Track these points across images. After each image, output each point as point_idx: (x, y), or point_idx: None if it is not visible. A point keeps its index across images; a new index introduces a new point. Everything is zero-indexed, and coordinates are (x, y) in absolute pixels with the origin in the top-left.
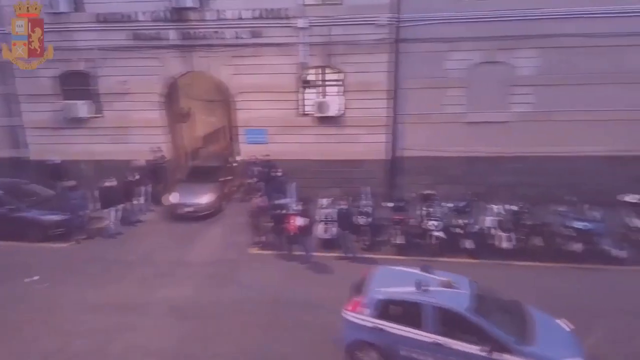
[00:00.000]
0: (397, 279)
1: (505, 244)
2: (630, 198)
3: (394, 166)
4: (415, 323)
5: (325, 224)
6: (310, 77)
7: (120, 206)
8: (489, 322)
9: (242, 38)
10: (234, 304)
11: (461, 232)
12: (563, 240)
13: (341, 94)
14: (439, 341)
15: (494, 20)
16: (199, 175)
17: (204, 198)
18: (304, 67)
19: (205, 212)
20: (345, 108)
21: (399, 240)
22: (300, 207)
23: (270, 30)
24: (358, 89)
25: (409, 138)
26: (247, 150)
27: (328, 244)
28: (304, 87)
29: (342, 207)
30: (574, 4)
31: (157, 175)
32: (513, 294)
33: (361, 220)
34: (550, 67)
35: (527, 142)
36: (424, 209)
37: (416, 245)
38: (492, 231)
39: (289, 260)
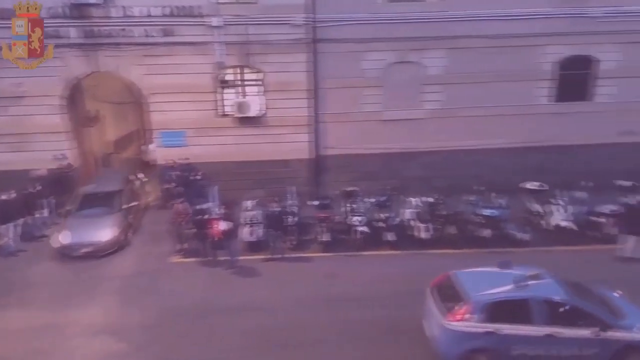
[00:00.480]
0: (487, 281)
1: (423, 234)
2: (529, 185)
3: (318, 165)
4: (525, 319)
5: (251, 226)
6: (229, 77)
7: (20, 221)
8: (590, 305)
9: (152, 36)
10: (156, 316)
11: (383, 225)
12: (474, 227)
13: (261, 93)
14: (550, 332)
15: (405, 22)
16: (95, 204)
17: (105, 234)
18: (220, 66)
19: (108, 252)
20: (267, 108)
21: (325, 237)
22: (223, 211)
23: (183, 28)
24: (278, 89)
25: (331, 137)
26: (164, 154)
27: (254, 247)
28: (223, 87)
29: (271, 208)
30: (476, 7)
31: (62, 185)
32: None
33: (288, 220)
34: (456, 66)
35: (439, 137)
36: (348, 205)
37: (342, 241)
38: (412, 223)
39: (213, 266)
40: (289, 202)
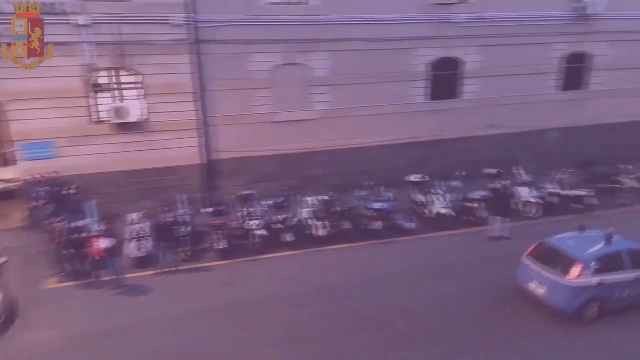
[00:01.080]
0: (581, 243)
1: (321, 232)
2: (413, 178)
3: (211, 170)
4: (621, 267)
5: (138, 240)
6: (102, 80)
7: None
8: None
9: (5, 36)
10: (29, 353)
11: (282, 227)
12: (367, 221)
13: (142, 97)
14: (637, 276)
15: (288, 24)
16: None
17: None
18: (91, 69)
19: None
20: (149, 112)
21: (222, 245)
22: (103, 227)
23: (45, 27)
24: (161, 92)
25: (223, 140)
26: (28, 169)
27: (144, 262)
28: (96, 92)
29: (160, 219)
30: (354, 12)
31: None
32: (339, 274)
33: (180, 230)
34: (341, 68)
35: (331, 137)
36: (245, 209)
37: (240, 247)
38: (309, 222)
39: (97, 288)
40: (180, 211)
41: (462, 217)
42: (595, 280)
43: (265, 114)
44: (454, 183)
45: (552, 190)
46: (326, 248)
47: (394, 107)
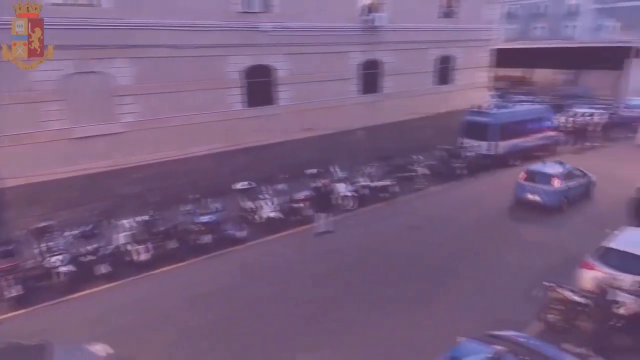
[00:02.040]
0: (550, 167)
1: (143, 256)
2: (240, 185)
3: None
4: (573, 178)
5: None
6: None
7: None
8: None
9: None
10: None
11: (93, 258)
12: (195, 236)
13: None
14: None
15: (77, 28)
16: None
17: None
18: None
19: None
20: None
21: (15, 291)
22: None
23: None
24: None
25: (5, 164)
26: None
27: None
28: None
29: None
30: (154, 17)
31: None
32: (166, 302)
33: None
34: (149, 76)
35: (145, 150)
36: (42, 244)
37: (42, 289)
38: (129, 247)
39: None
40: None
41: (290, 217)
42: (564, 185)
43: (60, 129)
44: (280, 186)
45: (364, 183)
46: (151, 273)
47: (212, 115)
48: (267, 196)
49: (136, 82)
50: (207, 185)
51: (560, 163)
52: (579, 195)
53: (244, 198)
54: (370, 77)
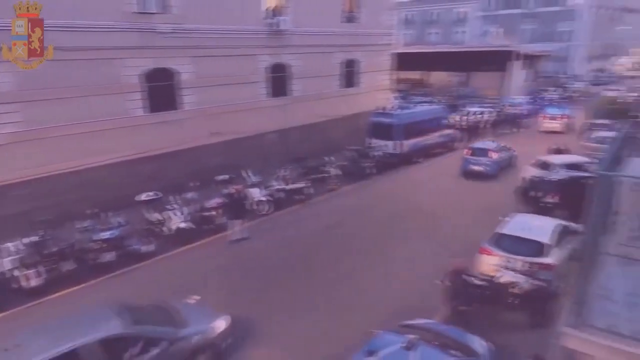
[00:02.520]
0: (487, 145)
1: (34, 282)
2: (145, 196)
3: None
4: (506, 151)
5: None
6: None
7: None
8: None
9: None
10: None
11: None
12: (95, 254)
13: None
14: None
15: None
16: None
17: None
18: None
19: None
20: None
21: None
22: None
23: None
24: None
25: None
26: None
27: None
28: None
29: None
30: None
31: None
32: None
33: None
34: (30, 82)
35: (33, 162)
36: None
37: None
38: (16, 272)
39: None
40: None
41: (203, 226)
42: (499, 157)
43: None
44: (189, 194)
45: (278, 187)
46: (44, 299)
47: (110, 122)
48: (175, 206)
49: (16, 89)
50: (108, 198)
51: (493, 141)
52: (506, 165)
53: (149, 209)
54: (279, 80)
